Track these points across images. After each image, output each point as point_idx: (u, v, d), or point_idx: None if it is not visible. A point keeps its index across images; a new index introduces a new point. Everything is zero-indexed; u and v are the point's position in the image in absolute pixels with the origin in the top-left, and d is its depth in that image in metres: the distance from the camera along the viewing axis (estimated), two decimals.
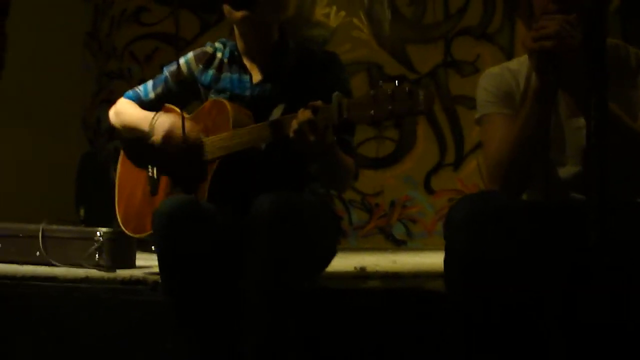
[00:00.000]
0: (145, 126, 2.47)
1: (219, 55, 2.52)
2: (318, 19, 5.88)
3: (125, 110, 2.60)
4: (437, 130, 5.47)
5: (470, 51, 5.52)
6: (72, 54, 6.36)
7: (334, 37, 5.83)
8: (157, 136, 2.42)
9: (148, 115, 2.50)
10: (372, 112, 1.87)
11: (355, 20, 5.78)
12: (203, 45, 2.60)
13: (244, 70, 2.44)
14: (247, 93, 2.41)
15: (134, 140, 2.59)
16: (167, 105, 2.57)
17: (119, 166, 2.72)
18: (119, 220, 2.67)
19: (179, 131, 2.35)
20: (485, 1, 5.55)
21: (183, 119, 2.28)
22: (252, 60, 2.45)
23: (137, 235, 2.63)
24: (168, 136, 2.39)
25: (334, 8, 5.83)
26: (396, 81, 1.84)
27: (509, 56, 5.39)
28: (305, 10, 5.87)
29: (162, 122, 2.42)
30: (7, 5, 1.37)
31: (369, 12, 5.77)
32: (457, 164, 5.46)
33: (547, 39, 1.84)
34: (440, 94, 5.52)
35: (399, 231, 5.53)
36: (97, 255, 3.11)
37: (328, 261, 2.47)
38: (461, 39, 5.57)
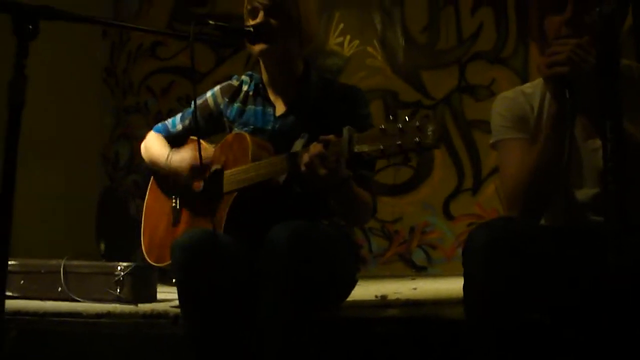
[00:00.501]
0: (162, 163, 2.53)
1: (244, 88, 2.54)
2: (332, 48, 5.92)
3: (151, 145, 2.65)
4: (454, 156, 5.47)
5: (485, 75, 5.52)
6: (90, 89, 6.44)
7: (348, 65, 5.86)
8: (171, 174, 2.47)
9: (164, 152, 2.54)
10: (382, 146, 1.87)
11: (369, 48, 5.81)
12: (219, 77, 2.64)
13: (268, 102, 2.45)
14: (270, 126, 2.43)
15: (161, 174, 2.64)
16: (192, 137, 2.62)
17: (147, 195, 2.76)
18: (143, 249, 2.70)
19: (184, 169, 2.41)
20: (498, 25, 5.56)
21: (199, 146, 2.29)
22: (277, 92, 2.47)
23: (158, 265, 2.65)
24: (174, 174, 2.44)
25: (348, 37, 5.87)
26: (406, 116, 1.84)
27: (524, 79, 5.39)
28: (318, 39, 5.91)
29: (173, 162, 2.47)
30: (27, 46, 1.41)
31: (382, 39, 5.80)
32: (476, 189, 5.44)
33: (560, 64, 1.84)
34: (455, 119, 5.53)
35: (418, 257, 5.51)
36: (118, 289, 3.13)
37: (348, 291, 2.46)
38: (475, 64, 5.58)
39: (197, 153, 2.42)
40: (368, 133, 1.93)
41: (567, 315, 1.90)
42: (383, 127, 1.87)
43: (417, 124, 1.81)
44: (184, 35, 2.05)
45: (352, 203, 2.24)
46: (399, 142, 1.83)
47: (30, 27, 1.51)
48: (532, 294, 1.75)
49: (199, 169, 2.40)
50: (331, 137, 2.01)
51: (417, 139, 1.81)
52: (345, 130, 1.96)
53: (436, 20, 5.70)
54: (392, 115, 1.89)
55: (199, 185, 2.45)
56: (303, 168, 2.04)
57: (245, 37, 2.30)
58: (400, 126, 1.84)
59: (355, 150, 1.94)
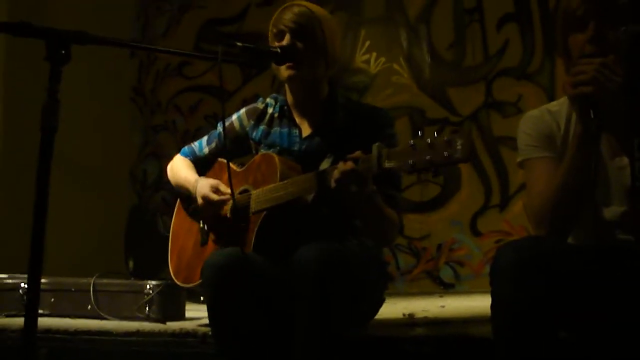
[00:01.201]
0: (190, 190, 2.54)
1: (269, 110, 2.56)
2: (358, 66, 5.94)
3: (177, 169, 2.67)
4: (482, 172, 5.45)
5: (512, 92, 5.51)
6: (118, 108, 6.52)
7: (374, 83, 5.88)
8: (198, 199, 2.48)
9: (191, 179, 2.56)
10: (411, 161, 1.87)
11: (395, 66, 5.82)
12: (246, 95, 2.66)
13: (294, 124, 2.47)
14: (296, 147, 2.44)
15: (188, 198, 2.66)
16: (220, 160, 2.63)
17: (174, 217, 2.78)
18: (170, 270, 2.71)
19: (213, 198, 2.42)
20: (524, 41, 5.56)
21: (229, 168, 2.30)
22: (302, 114, 2.49)
23: (186, 286, 2.66)
24: (204, 203, 2.45)
25: (374, 54, 5.89)
26: (435, 132, 1.85)
27: (551, 95, 5.37)
28: (345, 57, 5.94)
29: (201, 188, 2.48)
30: (60, 73, 1.43)
31: (408, 57, 5.81)
32: (503, 205, 5.42)
33: (585, 84, 1.83)
34: (482, 136, 5.52)
35: (446, 274, 5.50)
36: (147, 308, 3.16)
37: (376, 309, 2.47)
38: (502, 80, 5.58)
39: (224, 177, 2.45)
40: (397, 149, 1.94)
41: (594, 334, 1.89)
42: (412, 142, 1.88)
43: (446, 138, 1.82)
44: (212, 57, 2.07)
45: (378, 221, 2.25)
46: (429, 157, 1.84)
47: (63, 52, 1.53)
48: (560, 312, 1.74)
49: (226, 192, 2.43)
50: (359, 153, 2.03)
51: (446, 153, 1.81)
52: (375, 147, 1.98)
53: (462, 37, 5.70)
54: (420, 131, 1.90)
55: (227, 208, 2.46)
56: (333, 184, 2.05)
57: (273, 58, 2.32)
58: (430, 141, 1.84)
59: (385, 165, 1.95)
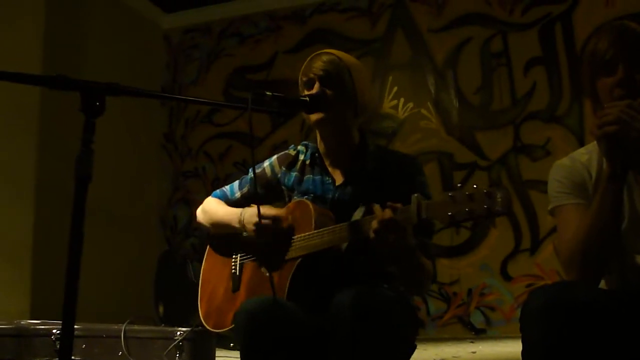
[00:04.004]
0: (235, 222, 2.52)
1: (301, 157, 2.57)
2: (386, 111, 5.98)
3: (213, 208, 2.67)
4: (511, 216, 5.42)
5: (540, 135, 5.51)
6: (149, 155, 6.61)
7: (403, 128, 5.91)
8: (249, 227, 2.45)
9: (236, 211, 2.55)
10: (450, 213, 1.88)
11: (423, 111, 5.86)
12: (275, 141, 2.67)
13: (326, 172, 2.48)
14: (330, 195, 2.45)
15: (222, 236, 2.65)
16: (253, 205, 2.64)
17: (204, 262, 2.78)
18: (200, 315, 2.71)
19: (270, 221, 2.40)
20: (551, 84, 5.57)
21: (259, 212, 2.31)
22: (333, 162, 2.50)
23: (217, 331, 2.65)
24: (260, 225, 2.41)
25: (402, 100, 5.93)
26: (475, 185, 1.85)
27: (580, 137, 5.36)
28: (373, 108, 5.97)
29: (252, 214, 2.46)
30: (94, 124, 1.46)
31: (436, 101, 5.85)
32: (534, 249, 5.38)
33: (609, 124, 1.84)
34: (511, 180, 5.51)
35: (477, 319, 5.45)
36: (177, 354, 3.16)
37: (408, 356, 2.44)
38: (530, 123, 5.59)
39: (265, 209, 2.45)
40: (436, 200, 1.94)
41: None
42: (451, 194, 1.89)
43: (486, 190, 1.82)
44: (242, 107, 2.09)
45: (415, 270, 2.25)
46: (468, 209, 1.84)
47: (97, 104, 1.56)
48: (592, 358, 1.72)
49: (272, 224, 2.41)
50: (398, 204, 2.03)
51: (486, 205, 1.82)
52: (414, 198, 1.98)
53: (489, 80, 5.74)
54: (459, 184, 1.90)
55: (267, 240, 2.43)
56: (372, 235, 2.05)
57: (302, 106, 2.34)
58: (469, 193, 1.85)
59: (424, 217, 1.96)
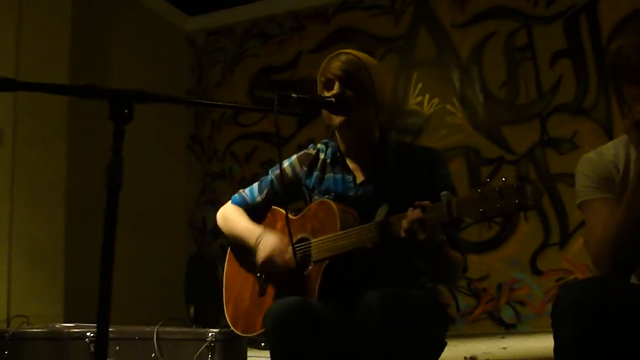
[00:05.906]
0: (251, 242, 2.52)
1: (321, 156, 2.57)
2: (412, 108, 5.97)
3: (232, 219, 2.65)
4: (540, 210, 5.40)
5: (567, 128, 5.48)
6: (176, 156, 6.66)
7: (428, 124, 5.90)
8: (259, 258, 2.47)
9: (254, 231, 2.54)
10: (481, 209, 1.88)
11: (448, 106, 5.85)
12: (301, 140, 2.66)
13: (347, 170, 2.48)
14: (352, 193, 2.45)
15: (241, 248, 2.65)
16: (274, 207, 2.63)
17: (226, 266, 2.76)
18: (227, 320, 2.70)
19: (280, 257, 2.42)
20: (578, 77, 5.52)
21: (287, 219, 2.32)
22: (354, 160, 2.50)
23: (246, 335, 2.65)
24: (269, 261, 2.44)
25: (427, 96, 5.92)
26: (503, 178, 1.85)
27: (608, 129, 5.32)
28: (398, 100, 5.98)
29: (265, 244, 2.48)
30: (124, 132, 1.48)
31: (461, 97, 5.83)
32: (563, 243, 5.35)
33: None
34: (539, 173, 5.48)
35: (507, 315, 5.43)
36: (209, 355, 3.19)
37: (438, 354, 2.44)
38: (557, 117, 5.55)
39: (278, 225, 2.46)
40: (466, 197, 1.94)
41: None
42: (480, 190, 1.89)
43: (515, 185, 1.82)
44: (268, 110, 2.10)
45: (446, 265, 2.25)
46: (499, 205, 1.84)
47: (126, 111, 1.57)
48: (624, 354, 1.71)
49: (281, 261, 2.43)
50: (427, 202, 2.03)
51: (517, 200, 1.81)
52: (444, 195, 1.98)
53: (514, 74, 5.71)
54: (487, 179, 1.90)
55: (286, 260, 2.45)
56: (403, 234, 2.05)
57: (328, 108, 2.35)
58: (499, 189, 1.85)
59: (455, 215, 1.96)
